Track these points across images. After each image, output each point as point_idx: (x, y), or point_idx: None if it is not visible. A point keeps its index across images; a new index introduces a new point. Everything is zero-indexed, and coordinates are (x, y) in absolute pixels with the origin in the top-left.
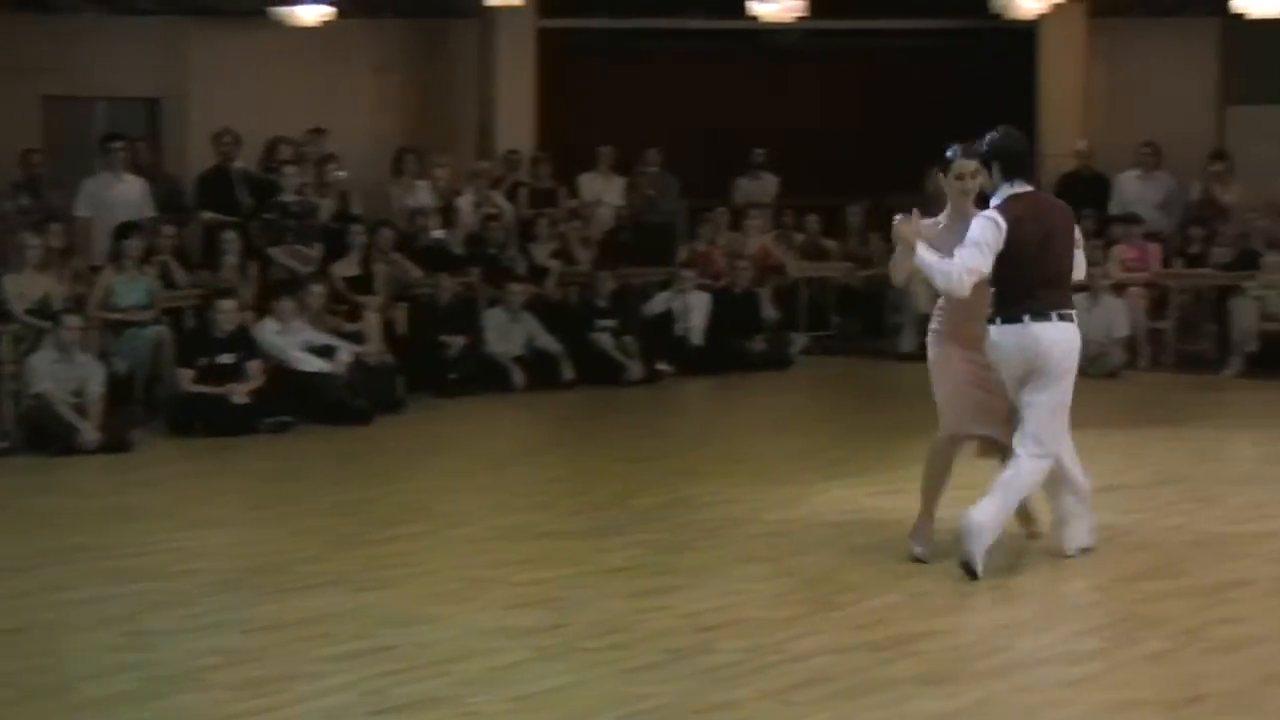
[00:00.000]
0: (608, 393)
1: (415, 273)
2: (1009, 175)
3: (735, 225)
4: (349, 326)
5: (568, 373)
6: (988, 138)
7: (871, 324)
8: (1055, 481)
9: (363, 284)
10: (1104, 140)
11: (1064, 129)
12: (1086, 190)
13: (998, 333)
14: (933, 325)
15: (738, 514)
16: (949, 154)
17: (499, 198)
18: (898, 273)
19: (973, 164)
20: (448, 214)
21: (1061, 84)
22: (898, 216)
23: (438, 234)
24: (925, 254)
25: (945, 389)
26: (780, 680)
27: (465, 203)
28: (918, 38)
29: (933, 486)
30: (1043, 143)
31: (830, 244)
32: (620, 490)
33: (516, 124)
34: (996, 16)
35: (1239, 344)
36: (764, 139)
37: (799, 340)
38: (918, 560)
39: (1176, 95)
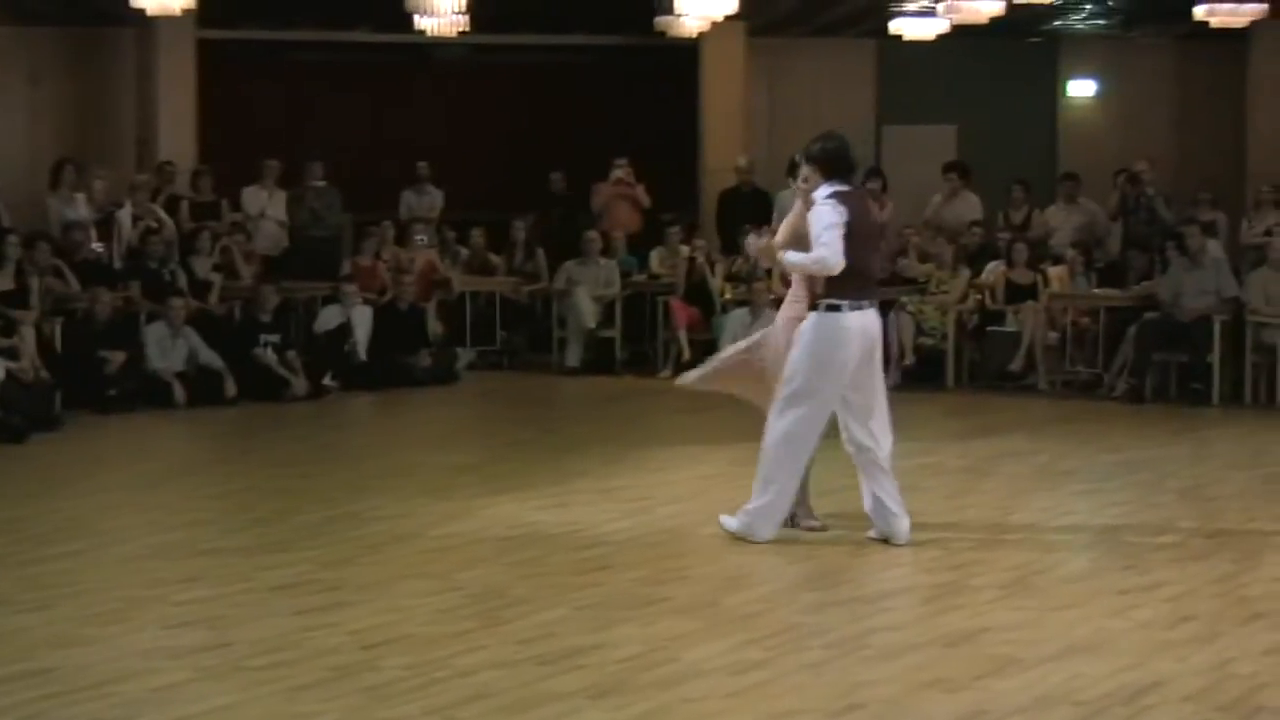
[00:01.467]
0: (271, 409)
1: (73, 287)
2: (829, 176)
3: (400, 239)
4: (3, 342)
5: (230, 389)
6: (812, 145)
7: (537, 339)
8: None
9: (18, 299)
10: (765, 157)
11: (726, 146)
12: (747, 206)
13: (846, 317)
14: (791, 313)
15: (403, 529)
16: (797, 159)
17: (159, 211)
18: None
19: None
20: (107, 227)
21: (723, 101)
22: (749, 239)
23: (96, 248)
24: (792, 256)
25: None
26: (446, 696)
27: (125, 216)
28: (583, 54)
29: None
30: (705, 158)
31: (496, 259)
32: (283, 506)
33: (177, 136)
34: (660, 34)
35: (896, 358)
36: (430, 153)
37: (465, 355)
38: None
39: (835, 114)
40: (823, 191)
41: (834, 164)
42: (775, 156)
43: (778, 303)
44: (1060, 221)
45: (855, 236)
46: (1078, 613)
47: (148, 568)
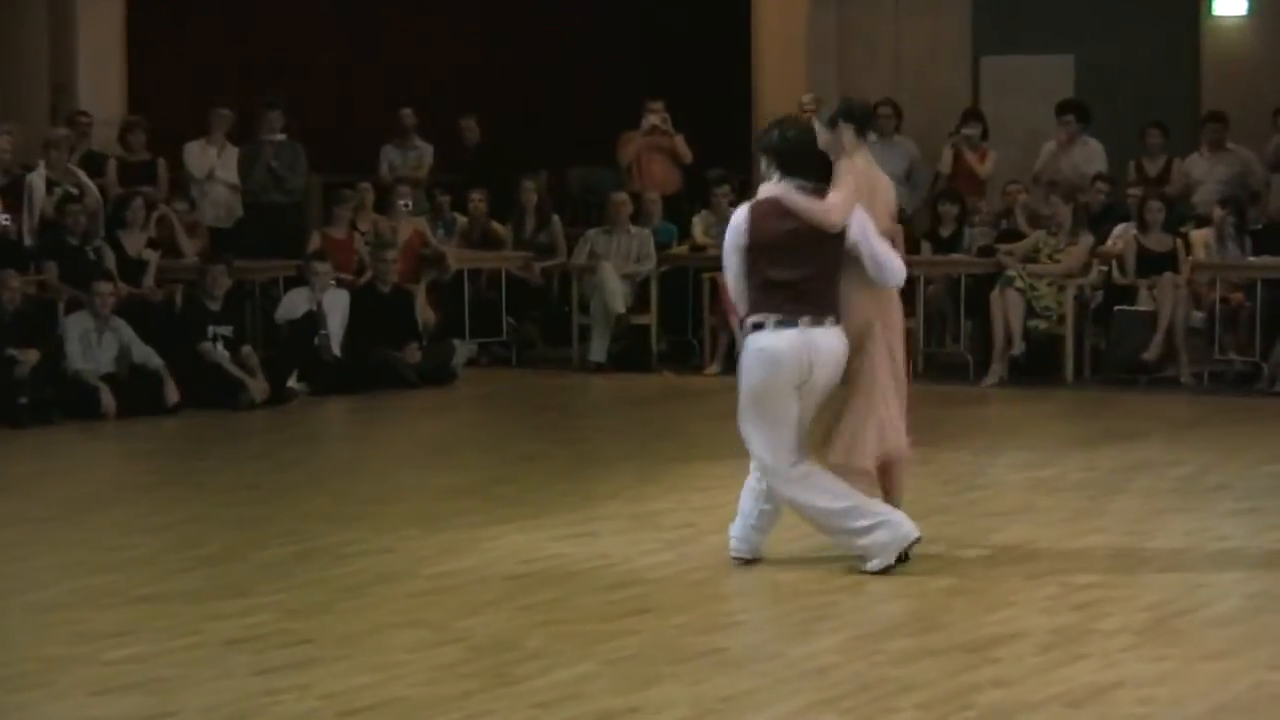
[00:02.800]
0: (223, 418)
1: None
2: (787, 171)
3: (381, 206)
4: None
5: (172, 394)
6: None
7: (554, 328)
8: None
9: None
10: (834, 97)
11: (785, 83)
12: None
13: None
14: None
15: (389, 567)
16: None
17: (80, 174)
18: None
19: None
20: (15, 195)
21: (781, 27)
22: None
23: (2, 220)
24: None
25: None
26: None
27: (37, 180)
28: None
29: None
30: (759, 100)
31: (501, 229)
32: (239, 540)
33: (102, 82)
34: None
35: (1001, 347)
36: (416, 98)
37: (463, 349)
38: None
39: (920, 42)
40: (772, 188)
41: (792, 158)
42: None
43: None
44: (1205, 173)
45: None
46: (1231, 664)
47: (72, 619)
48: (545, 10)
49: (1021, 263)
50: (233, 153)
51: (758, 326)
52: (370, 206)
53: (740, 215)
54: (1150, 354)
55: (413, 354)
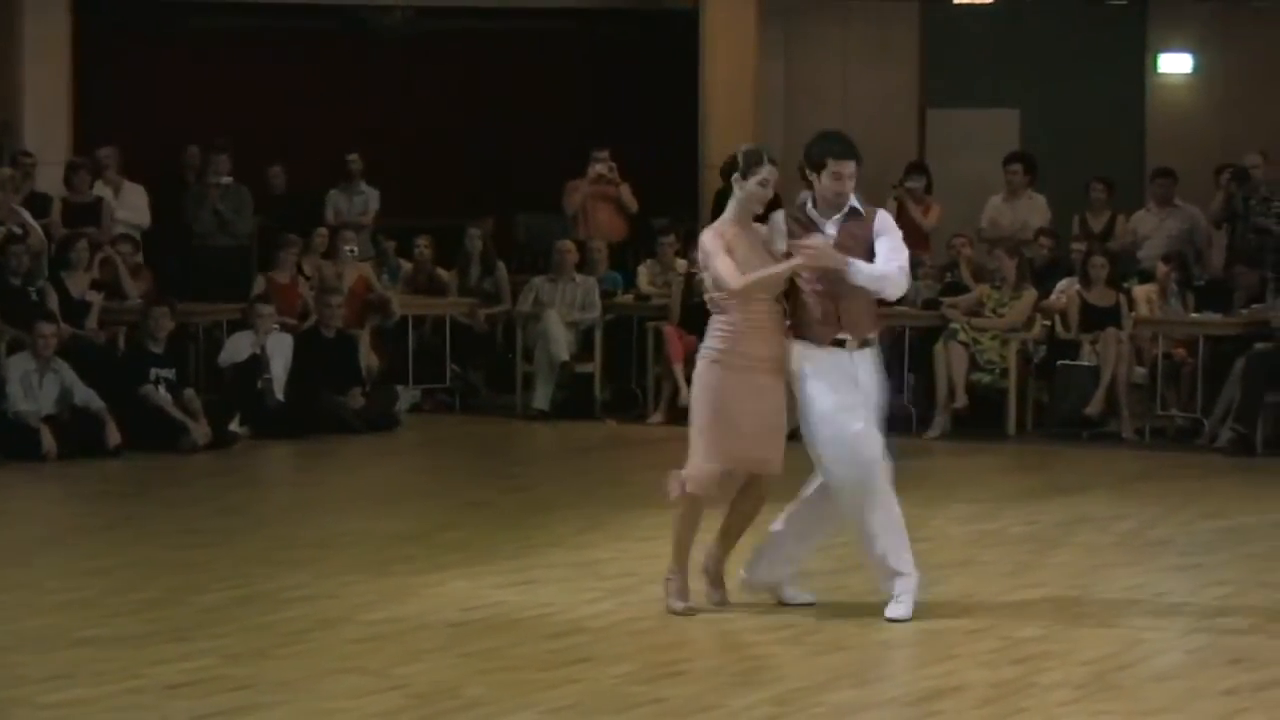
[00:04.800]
0: (165, 461)
1: None
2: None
3: (326, 251)
4: None
5: (113, 436)
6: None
7: (498, 375)
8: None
9: None
10: (781, 147)
11: (731, 134)
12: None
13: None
14: (714, 343)
15: (330, 612)
16: (739, 159)
17: (24, 214)
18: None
19: (772, 170)
20: None
21: (729, 79)
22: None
23: None
24: (863, 266)
25: (707, 418)
26: None
27: None
28: (553, 19)
29: (687, 537)
30: (705, 150)
31: (446, 275)
32: (180, 584)
33: (47, 120)
34: None
35: (944, 399)
36: (362, 144)
37: (407, 395)
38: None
39: (868, 95)
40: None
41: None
42: (792, 147)
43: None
44: (1152, 229)
45: None
46: (1173, 719)
47: (9, 662)
48: (493, 58)
49: (966, 316)
50: (132, 189)
51: (839, 343)
52: (316, 251)
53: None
54: (1093, 409)
55: (356, 399)
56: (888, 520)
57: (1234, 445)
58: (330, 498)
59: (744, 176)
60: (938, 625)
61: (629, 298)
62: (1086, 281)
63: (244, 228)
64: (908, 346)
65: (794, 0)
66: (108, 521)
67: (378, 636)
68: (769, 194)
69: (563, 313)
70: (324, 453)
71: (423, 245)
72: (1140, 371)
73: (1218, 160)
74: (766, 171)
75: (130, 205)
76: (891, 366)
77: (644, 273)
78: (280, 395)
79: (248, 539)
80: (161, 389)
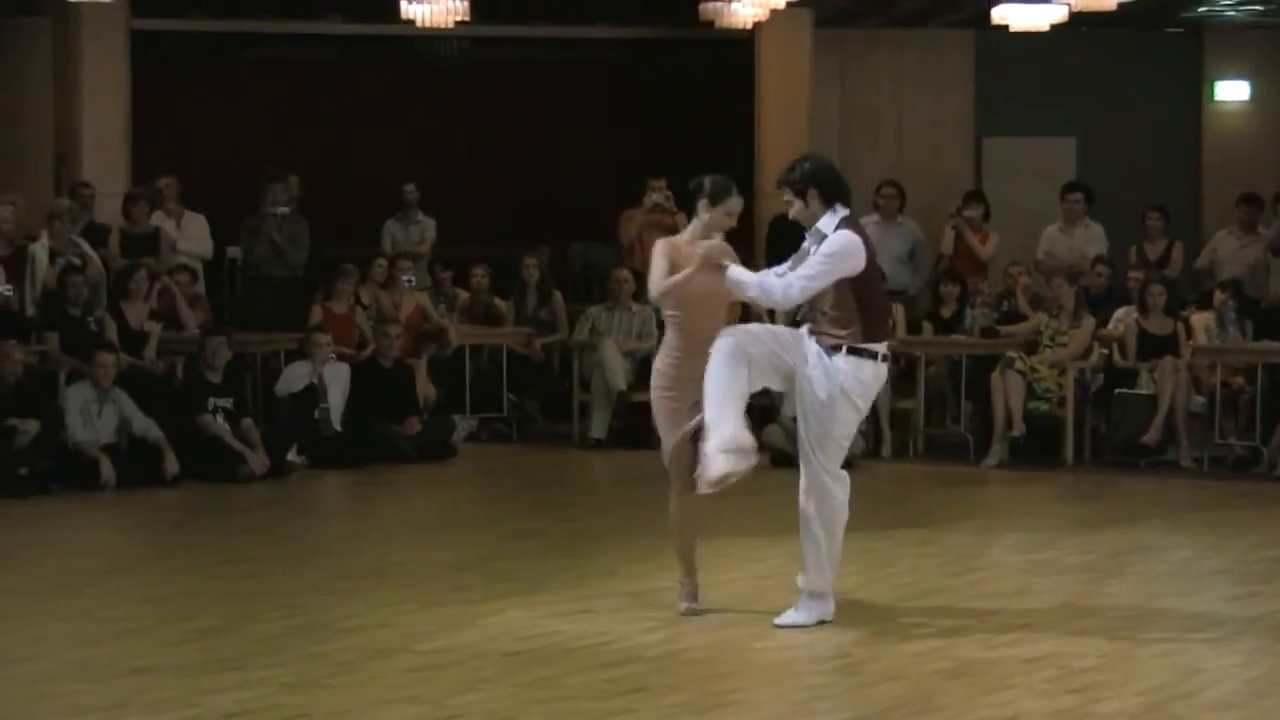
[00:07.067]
0: (222, 490)
1: None
2: (830, 200)
3: (384, 280)
4: None
5: (171, 465)
6: (798, 167)
7: (554, 404)
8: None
9: None
10: None
11: (787, 162)
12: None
13: (873, 366)
14: (660, 365)
15: (385, 642)
16: (707, 184)
17: (84, 245)
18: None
19: (741, 202)
20: (18, 265)
21: (783, 107)
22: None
23: (5, 290)
24: (742, 274)
25: (672, 433)
26: None
27: (40, 251)
28: (610, 49)
29: (685, 544)
30: (761, 177)
31: (502, 304)
32: (235, 613)
33: (105, 151)
34: (708, 24)
35: (1001, 428)
36: (419, 173)
37: (463, 424)
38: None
39: (922, 123)
40: (831, 218)
41: (832, 185)
42: (847, 175)
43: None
44: (1231, 253)
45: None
46: None
47: (65, 691)
48: (548, 87)
49: (1023, 346)
50: (192, 219)
51: (873, 353)
52: (373, 281)
53: (855, 237)
54: (1150, 437)
55: (412, 428)
56: (837, 543)
57: None
58: (386, 527)
59: (713, 203)
60: (994, 654)
61: None
62: (1144, 310)
63: (300, 258)
64: (964, 375)
65: (848, 29)
66: (164, 550)
67: (432, 666)
68: (733, 223)
69: (619, 342)
70: (380, 482)
71: (479, 275)
72: (1198, 400)
73: (1275, 187)
74: (734, 203)
75: (192, 235)
76: (948, 395)
77: None
78: (337, 425)
79: (303, 568)
80: (219, 418)
